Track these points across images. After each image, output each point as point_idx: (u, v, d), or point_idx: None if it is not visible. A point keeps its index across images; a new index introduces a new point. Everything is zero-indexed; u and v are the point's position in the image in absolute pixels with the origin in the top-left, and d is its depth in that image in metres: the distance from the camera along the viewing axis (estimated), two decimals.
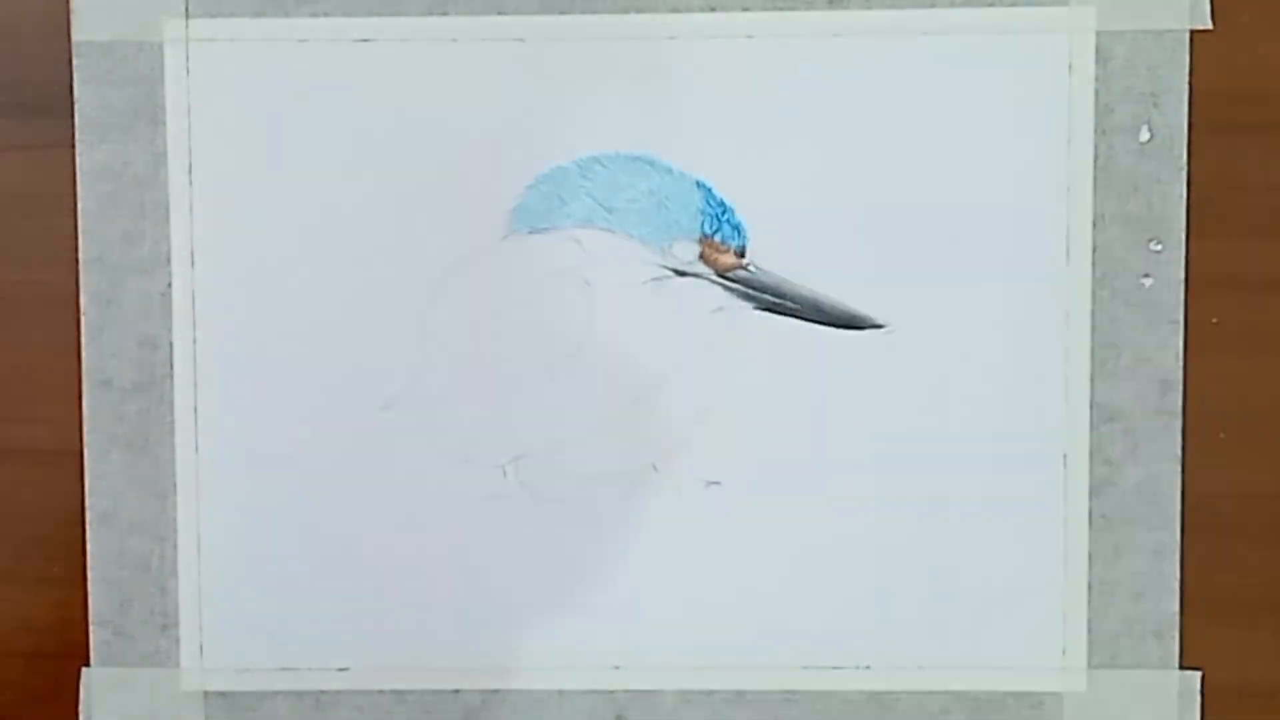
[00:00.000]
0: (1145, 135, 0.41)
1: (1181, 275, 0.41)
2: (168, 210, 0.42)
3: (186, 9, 0.41)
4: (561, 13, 0.41)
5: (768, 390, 0.41)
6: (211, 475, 0.42)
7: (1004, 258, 0.41)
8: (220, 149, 0.42)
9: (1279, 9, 0.41)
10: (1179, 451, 0.42)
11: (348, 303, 0.42)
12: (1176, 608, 0.42)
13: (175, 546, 0.42)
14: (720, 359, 0.41)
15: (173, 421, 0.42)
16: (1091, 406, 0.41)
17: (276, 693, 0.43)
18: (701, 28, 0.41)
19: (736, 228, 0.41)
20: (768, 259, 0.41)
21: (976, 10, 0.41)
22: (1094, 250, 0.41)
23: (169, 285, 0.42)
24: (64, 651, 0.43)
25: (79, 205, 0.42)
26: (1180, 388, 0.41)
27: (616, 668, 0.42)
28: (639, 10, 0.41)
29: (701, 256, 0.41)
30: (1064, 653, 0.41)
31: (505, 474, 0.42)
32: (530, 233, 0.42)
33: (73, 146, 0.42)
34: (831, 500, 0.41)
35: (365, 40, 0.41)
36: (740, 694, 0.42)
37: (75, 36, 0.41)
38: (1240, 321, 0.42)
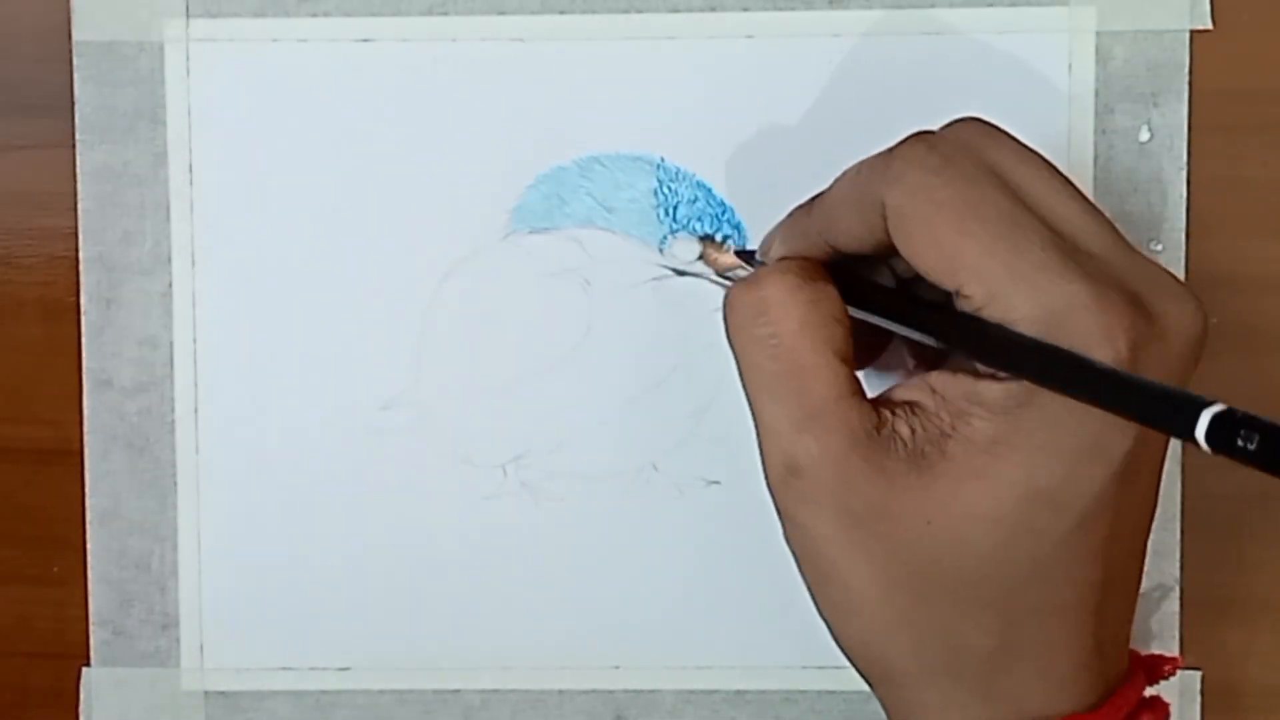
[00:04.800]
0: (1145, 135, 0.41)
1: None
2: (168, 210, 0.42)
3: (186, 9, 0.41)
4: (561, 12, 0.41)
5: None
6: (211, 475, 0.42)
7: None
8: (220, 149, 0.42)
9: (1279, 9, 0.41)
10: (1179, 451, 0.41)
11: (348, 303, 0.42)
12: (1177, 608, 0.42)
13: (175, 546, 0.42)
14: (720, 359, 0.40)
15: (173, 421, 0.42)
16: None
17: (276, 693, 0.43)
18: (701, 28, 0.41)
19: (737, 228, 0.41)
20: None
21: (976, 10, 0.41)
22: None
23: (169, 285, 0.42)
24: (64, 651, 0.43)
25: (79, 205, 0.42)
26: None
27: (616, 668, 0.42)
28: (639, 10, 0.41)
29: (701, 256, 0.41)
30: None
31: (505, 474, 0.42)
32: (530, 233, 0.42)
33: (73, 146, 0.42)
34: None
35: (365, 40, 0.41)
36: (740, 694, 0.42)
37: (75, 36, 0.41)
38: (1240, 321, 0.42)
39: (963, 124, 0.35)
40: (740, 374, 0.35)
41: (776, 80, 0.41)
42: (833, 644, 0.36)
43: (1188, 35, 0.41)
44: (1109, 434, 0.32)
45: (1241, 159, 0.41)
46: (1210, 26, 0.41)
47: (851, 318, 0.35)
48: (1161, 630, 0.42)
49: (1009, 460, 0.32)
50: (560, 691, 0.42)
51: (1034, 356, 0.31)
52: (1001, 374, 0.32)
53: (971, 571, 0.33)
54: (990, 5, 0.41)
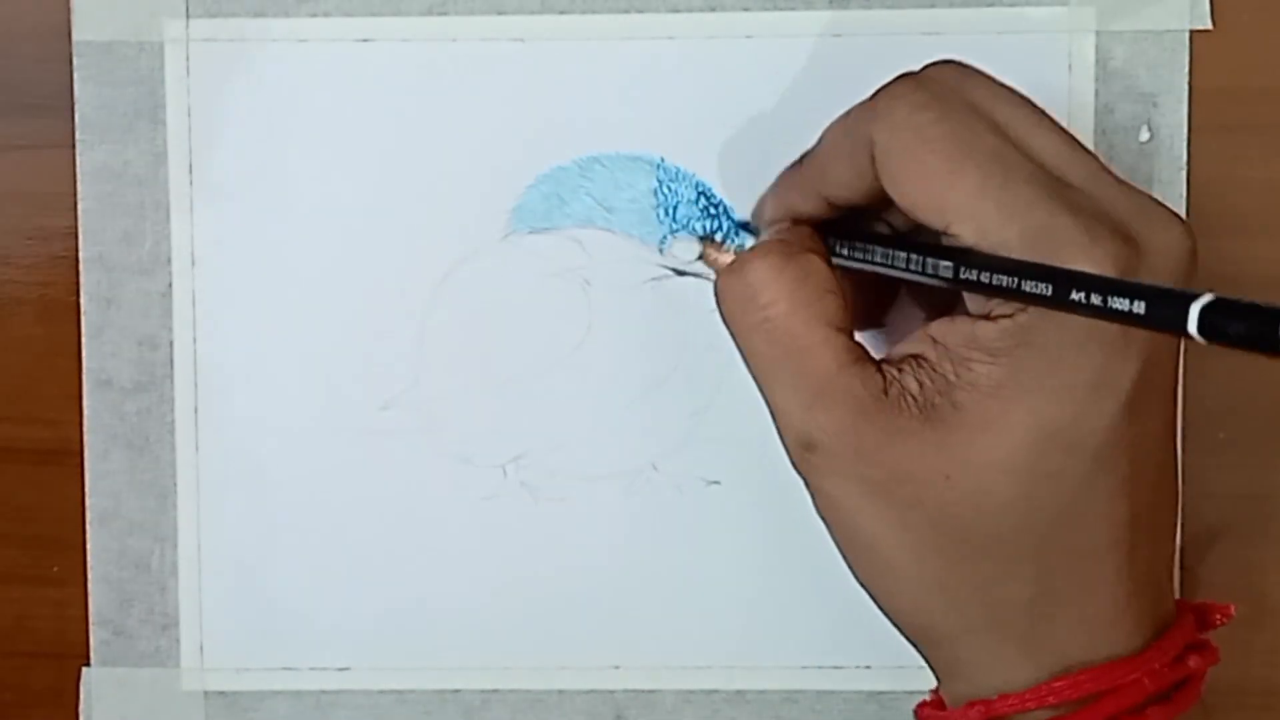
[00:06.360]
0: (1145, 135, 0.41)
1: None
2: (168, 210, 0.42)
3: (186, 9, 0.41)
4: (561, 12, 0.41)
5: None
6: (211, 475, 0.42)
7: None
8: (220, 149, 0.42)
9: (1279, 9, 0.41)
10: (1179, 451, 0.41)
11: (348, 302, 0.42)
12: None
13: (175, 546, 0.42)
14: (720, 359, 0.41)
15: (173, 421, 0.42)
16: None
17: (276, 693, 0.43)
18: (701, 28, 0.41)
19: (736, 228, 0.41)
20: None
21: (976, 10, 0.41)
22: None
23: (169, 285, 0.42)
24: (64, 651, 0.43)
25: (79, 205, 0.42)
26: (1180, 388, 0.41)
27: (616, 667, 0.42)
28: (639, 10, 0.41)
29: (701, 256, 0.41)
30: None
31: (505, 474, 0.42)
32: (530, 233, 0.42)
33: (73, 146, 0.42)
34: None
35: (365, 40, 0.41)
36: (740, 694, 0.42)
37: (75, 36, 0.41)
38: None
39: (940, 65, 0.35)
40: (743, 360, 0.35)
41: (776, 80, 0.41)
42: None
43: (1188, 35, 0.41)
44: (1114, 364, 0.32)
45: (1241, 159, 0.41)
46: (1210, 26, 0.41)
47: (851, 280, 0.35)
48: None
49: (1016, 403, 0.32)
50: (560, 691, 0.42)
51: (1021, 276, 0.31)
52: (995, 313, 0.32)
53: (999, 523, 0.33)
54: (990, 5, 0.41)
